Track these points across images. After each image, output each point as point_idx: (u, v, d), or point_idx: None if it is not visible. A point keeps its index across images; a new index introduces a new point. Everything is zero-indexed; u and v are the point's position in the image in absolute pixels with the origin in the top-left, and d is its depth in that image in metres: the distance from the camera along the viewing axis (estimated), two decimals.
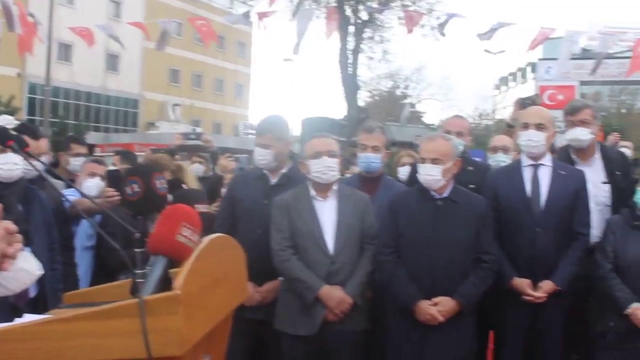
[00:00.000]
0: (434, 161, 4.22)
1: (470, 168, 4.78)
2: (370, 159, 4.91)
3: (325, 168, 4.40)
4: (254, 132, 6.09)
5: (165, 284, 2.11)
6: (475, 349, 4.38)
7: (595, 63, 12.79)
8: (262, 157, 4.66)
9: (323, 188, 4.46)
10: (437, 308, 4.14)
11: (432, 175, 4.21)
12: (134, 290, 2.07)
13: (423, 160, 4.26)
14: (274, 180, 4.73)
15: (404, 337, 4.24)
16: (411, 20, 12.76)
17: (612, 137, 9.08)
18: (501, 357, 4.71)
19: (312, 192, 4.46)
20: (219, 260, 2.36)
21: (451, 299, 4.16)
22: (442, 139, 4.39)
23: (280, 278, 4.55)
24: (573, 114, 5.00)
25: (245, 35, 56.13)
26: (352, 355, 4.46)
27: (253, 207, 4.64)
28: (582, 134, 4.95)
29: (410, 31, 12.76)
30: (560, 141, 5.44)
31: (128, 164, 7.18)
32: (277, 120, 4.86)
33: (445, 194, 4.28)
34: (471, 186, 4.52)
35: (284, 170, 4.74)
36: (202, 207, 2.55)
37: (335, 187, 4.50)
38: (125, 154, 8.35)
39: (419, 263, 4.20)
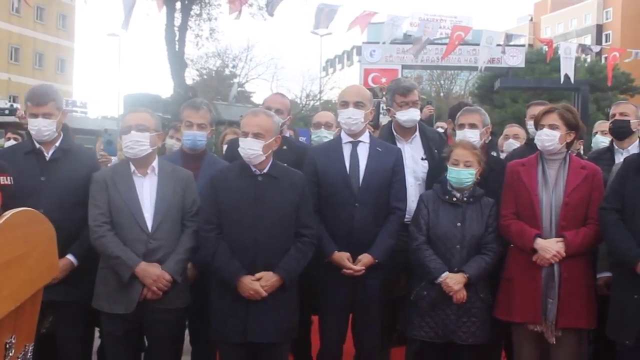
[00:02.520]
0: (256, 136, 4.23)
1: (284, 147, 4.81)
2: (197, 137, 4.86)
3: (132, 142, 4.30)
4: (77, 109, 5.75)
5: None
6: (297, 322, 4.46)
7: (418, 46, 13.30)
8: (47, 127, 4.38)
9: (142, 163, 4.36)
10: (260, 283, 4.17)
11: (253, 149, 4.21)
12: None
13: (245, 135, 4.25)
14: (48, 154, 4.45)
15: (228, 312, 4.24)
16: (236, 3, 12.61)
17: (427, 109, 9.45)
18: (324, 330, 4.81)
19: (132, 168, 4.35)
20: (24, 235, 2.24)
21: (273, 273, 4.20)
22: (264, 114, 4.40)
23: (68, 256, 4.36)
24: (405, 95, 5.17)
25: (67, 7, 53.67)
26: (171, 333, 4.42)
27: (28, 185, 4.27)
28: (416, 115, 5.18)
29: (235, 11, 12.66)
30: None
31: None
32: (54, 89, 4.61)
33: (265, 170, 4.30)
34: (284, 164, 4.53)
35: (57, 144, 4.48)
36: (3, 179, 2.38)
37: (155, 163, 4.41)
38: None
39: (240, 239, 4.21)
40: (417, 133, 5.28)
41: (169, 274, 4.23)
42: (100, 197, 4.27)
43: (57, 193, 4.31)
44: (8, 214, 2.14)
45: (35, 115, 4.39)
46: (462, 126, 5.09)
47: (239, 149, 4.28)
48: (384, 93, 6.92)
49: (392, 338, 5.54)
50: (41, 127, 4.38)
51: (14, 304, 2.12)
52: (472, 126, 5.05)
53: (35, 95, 4.47)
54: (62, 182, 4.33)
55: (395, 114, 5.19)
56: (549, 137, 4.47)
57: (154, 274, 4.20)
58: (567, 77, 13.87)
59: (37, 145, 4.45)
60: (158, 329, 4.33)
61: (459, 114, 5.29)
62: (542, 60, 35.34)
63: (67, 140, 4.56)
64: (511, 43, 23.62)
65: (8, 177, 2.61)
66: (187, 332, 4.85)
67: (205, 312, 4.43)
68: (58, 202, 4.26)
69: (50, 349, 4.58)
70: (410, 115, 5.17)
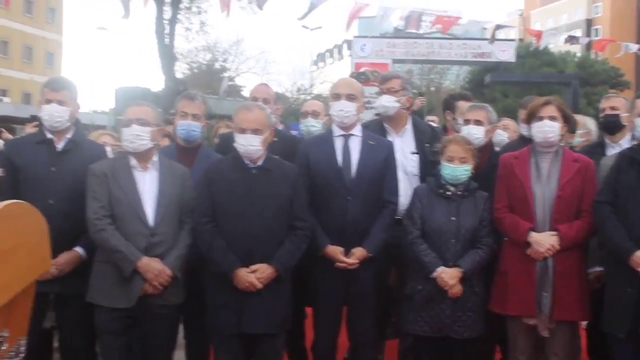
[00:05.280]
0: (255, 132, 4.23)
1: (275, 139, 4.80)
2: (191, 127, 4.81)
3: (133, 136, 4.27)
4: None
5: None
6: (290, 313, 4.45)
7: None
8: (59, 114, 4.38)
9: (142, 158, 4.33)
10: (255, 275, 4.18)
11: (254, 145, 4.22)
12: None
13: (242, 131, 4.24)
14: (59, 145, 4.45)
15: (223, 304, 4.23)
16: (225, 2, 12.54)
17: (419, 101, 9.41)
18: (318, 323, 4.81)
19: (133, 162, 4.32)
20: (15, 227, 2.22)
21: (268, 265, 4.20)
22: (258, 108, 4.38)
23: (77, 249, 4.37)
24: (383, 83, 5.20)
25: (55, 1, 53.39)
26: (168, 329, 4.42)
27: (38, 175, 4.31)
28: (388, 101, 5.14)
29: (226, 8, 12.59)
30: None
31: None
32: (71, 81, 4.62)
33: (259, 163, 4.30)
34: (276, 157, 4.52)
35: (68, 136, 4.49)
36: None
37: (155, 157, 4.39)
38: None
39: (235, 231, 4.21)
40: (408, 126, 5.27)
41: (170, 269, 4.22)
42: (100, 190, 4.22)
43: (67, 184, 4.30)
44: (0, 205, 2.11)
45: (50, 101, 4.39)
46: (467, 122, 5.08)
47: (237, 145, 4.26)
48: (376, 76, 6.91)
49: (385, 331, 5.53)
50: (54, 112, 4.37)
51: (6, 297, 2.10)
52: (478, 122, 5.04)
53: (53, 81, 4.55)
54: (72, 174, 4.31)
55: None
56: (552, 129, 4.47)
57: (156, 268, 4.18)
58: (558, 71, 13.90)
59: (49, 136, 4.44)
60: (154, 324, 4.30)
61: (465, 109, 5.28)
62: (532, 55, 35.53)
63: (79, 133, 4.56)
64: (501, 37, 23.69)
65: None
66: (180, 326, 4.83)
67: (199, 306, 4.42)
68: (67, 194, 4.27)
69: (46, 344, 4.57)
70: (381, 101, 5.17)
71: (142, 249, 4.21)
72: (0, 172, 2.34)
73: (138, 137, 4.27)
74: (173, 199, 4.34)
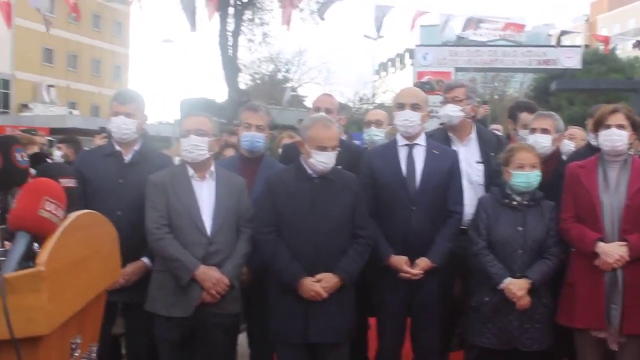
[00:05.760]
0: (334, 148, 4.27)
1: (338, 149, 4.82)
2: (255, 138, 4.85)
3: (192, 147, 4.32)
4: None
5: (30, 261, 2.01)
6: (355, 323, 4.44)
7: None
8: (127, 126, 4.49)
9: (200, 168, 4.38)
10: (320, 284, 4.19)
11: (332, 162, 4.28)
12: None
13: (324, 149, 4.25)
14: (127, 157, 4.56)
15: (288, 313, 4.25)
16: (287, 15, 12.64)
17: (482, 109, 9.31)
18: (382, 334, 4.78)
19: (190, 172, 4.38)
20: (88, 237, 2.27)
21: (333, 274, 4.21)
22: (334, 125, 4.41)
23: (143, 259, 4.45)
24: (447, 92, 5.17)
25: (122, 14, 54.62)
26: (226, 338, 4.44)
27: (106, 187, 4.43)
28: (452, 110, 5.11)
29: (287, 22, 12.66)
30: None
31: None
32: (140, 94, 4.74)
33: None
34: (338, 166, 4.51)
35: (136, 148, 4.59)
36: (67, 181, 2.42)
37: (212, 167, 4.44)
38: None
39: (299, 241, 4.22)
40: (473, 135, 5.22)
41: (227, 278, 4.25)
42: (159, 200, 4.29)
43: (134, 195, 4.37)
44: (73, 216, 2.17)
45: (118, 114, 4.50)
46: (533, 130, 5.00)
47: (315, 162, 4.26)
48: (441, 85, 6.88)
49: (450, 343, 5.47)
50: (121, 125, 4.48)
51: (80, 304, 2.15)
52: (544, 131, 4.96)
53: (121, 94, 4.68)
54: (138, 185, 4.37)
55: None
56: (620, 137, 4.36)
57: (214, 277, 4.21)
58: (626, 77, 13.60)
59: (117, 148, 4.55)
60: (212, 333, 4.33)
61: (532, 117, 5.21)
62: (599, 61, 34.76)
63: (146, 145, 4.66)
64: (566, 43, 23.27)
65: (71, 180, 2.66)
66: (244, 335, 4.87)
67: (263, 314, 4.44)
68: (134, 205, 4.33)
69: (115, 350, 4.66)
70: (445, 110, 5.14)
71: (200, 258, 4.24)
72: (73, 183, 2.41)
73: (196, 147, 4.32)
74: (230, 209, 4.37)
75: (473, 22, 12.65)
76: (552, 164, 4.91)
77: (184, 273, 4.19)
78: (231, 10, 30.09)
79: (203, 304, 4.24)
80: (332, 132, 4.31)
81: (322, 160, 4.25)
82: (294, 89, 47.04)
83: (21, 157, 2.33)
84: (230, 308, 4.36)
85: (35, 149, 5.57)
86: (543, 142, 4.90)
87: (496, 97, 46.37)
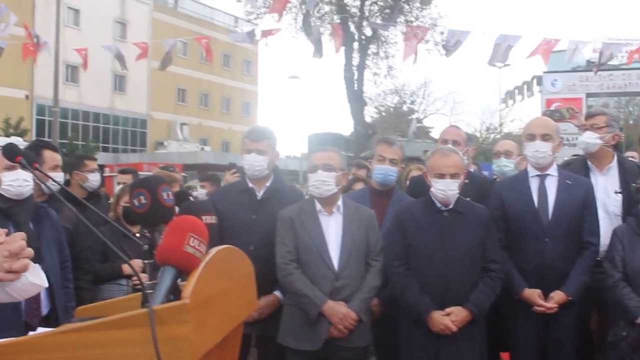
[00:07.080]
0: (453, 176, 4.26)
1: (466, 181, 4.78)
2: (389, 171, 4.90)
3: (319, 182, 4.36)
4: None
5: (175, 294, 2.12)
6: (487, 358, 4.38)
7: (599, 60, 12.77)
8: (259, 163, 4.58)
9: (327, 202, 4.42)
10: (450, 318, 4.16)
11: (453, 190, 4.26)
12: (144, 301, 2.08)
13: (443, 176, 4.26)
14: (259, 193, 4.67)
15: (418, 347, 4.24)
16: (411, 46, 12.67)
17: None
18: None
19: (318, 206, 4.44)
20: (227, 271, 2.37)
21: (463, 308, 4.18)
22: (455, 153, 4.42)
23: (276, 292, 4.53)
24: (587, 119, 5.07)
25: (250, 53, 56.40)
26: None
27: (240, 222, 4.53)
28: (590, 138, 4.98)
29: (410, 54, 12.67)
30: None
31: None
32: (271, 130, 4.83)
33: (450, 205, 4.30)
34: (467, 198, 4.49)
35: (268, 184, 4.68)
36: (208, 218, 2.54)
37: (340, 202, 4.48)
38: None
39: (429, 273, 4.22)
40: (613, 164, 5.06)
41: (355, 313, 4.26)
42: (287, 235, 4.36)
43: (266, 231, 4.46)
44: (214, 250, 2.27)
45: (250, 151, 4.61)
46: None
47: (435, 191, 4.28)
48: (571, 113, 6.71)
49: None
50: (253, 162, 4.59)
51: (221, 335, 2.24)
52: None
53: (253, 132, 4.78)
54: (271, 220, 4.46)
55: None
56: None
57: (341, 312, 4.24)
58: None
59: (250, 185, 4.68)
60: None
61: None
62: None
63: (277, 180, 4.75)
64: None
65: (212, 217, 2.78)
66: None
67: (392, 347, 4.44)
68: (266, 240, 4.41)
69: None
70: (583, 137, 5.02)
71: (328, 292, 4.27)
72: (213, 220, 2.53)
73: (323, 182, 4.36)
74: (357, 243, 4.37)
75: (609, 51, 12.22)
76: None
77: (312, 308, 4.24)
78: (356, 45, 30.50)
79: (332, 337, 4.28)
80: (450, 159, 4.30)
81: (441, 188, 4.24)
82: (419, 120, 46.96)
83: (167, 195, 2.46)
84: (359, 341, 4.37)
85: (177, 187, 5.88)
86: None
87: (631, 122, 44.51)
